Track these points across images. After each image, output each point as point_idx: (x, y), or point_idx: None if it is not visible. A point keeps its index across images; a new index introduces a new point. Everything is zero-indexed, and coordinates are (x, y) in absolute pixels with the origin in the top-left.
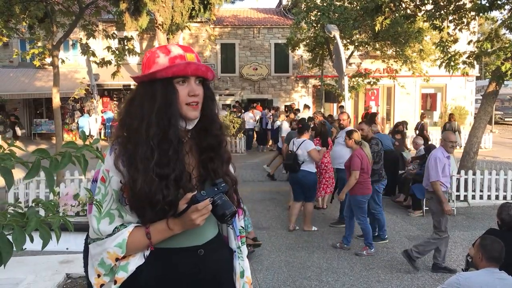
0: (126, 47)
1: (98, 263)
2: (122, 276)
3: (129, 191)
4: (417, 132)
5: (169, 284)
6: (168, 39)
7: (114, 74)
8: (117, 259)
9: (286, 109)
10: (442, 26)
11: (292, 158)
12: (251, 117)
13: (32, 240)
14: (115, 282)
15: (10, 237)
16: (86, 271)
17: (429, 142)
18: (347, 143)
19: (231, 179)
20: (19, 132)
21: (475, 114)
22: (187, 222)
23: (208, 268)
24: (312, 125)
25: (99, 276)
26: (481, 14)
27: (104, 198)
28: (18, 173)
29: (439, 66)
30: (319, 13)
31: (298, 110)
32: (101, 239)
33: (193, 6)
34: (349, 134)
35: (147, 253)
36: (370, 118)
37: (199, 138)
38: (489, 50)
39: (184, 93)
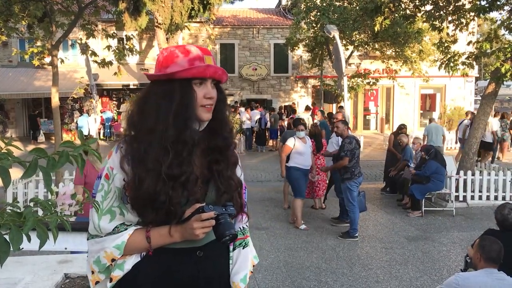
0: (127, 46)
1: (94, 260)
2: (117, 274)
3: (132, 190)
4: None
5: (167, 285)
6: (167, 39)
7: (116, 74)
8: (113, 260)
9: (285, 109)
10: (442, 26)
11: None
12: (247, 117)
13: (29, 239)
14: (111, 280)
15: (7, 237)
16: None
17: None
18: None
19: (235, 182)
20: (42, 137)
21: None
22: (187, 231)
23: (207, 270)
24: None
25: (93, 272)
26: (480, 15)
27: (107, 195)
28: (17, 173)
29: (439, 67)
30: (318, 13)
31: (294, 110)
32: (99, 237)
33: (192, 6)
34: None
35: (144, 252)
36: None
37: (208, 139)
38: (488, 51)
39: (201, 95)
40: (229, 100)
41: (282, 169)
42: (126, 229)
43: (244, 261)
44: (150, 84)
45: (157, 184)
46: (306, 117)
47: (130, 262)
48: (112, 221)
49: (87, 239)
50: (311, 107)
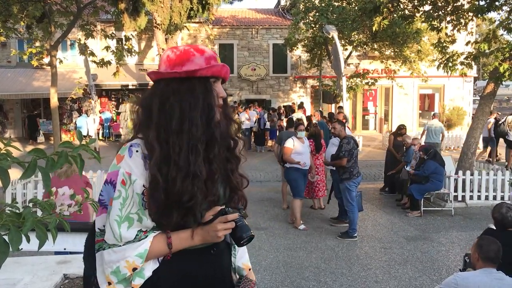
0: (126, 47)
1: (111, 270)
2: (139, 282)
3: (164, 192)
4: None
5: (187, 285)
6: (166, 39)
7: (115, 74)
8: (134, 269)
9: (284, 110)
10: (440, 26)
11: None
12: (246, 118)
13: (28, 240)
14: None
15: (6, 237)
16: (85, 272)
17: None
18: None
19: (246, 179)
20: (41, 137)
21: (473, 114)
22: (210, 233)
23: (220, 266)
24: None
25: (109, 284)
26: (479, 15)
27: (125, 201)
28: (16, 173)
29: (437, 67)
30: (317, 14)
31: (293, 110)
32: (117, 246)
33: (191, 6)
34: None
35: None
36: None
37: None
38: (487, 51)
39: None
40: (228, 100)
41: (296, 162)
42: (146, 236)
43: (242, 247)
44: (163, 82)
45: (186, 184)
46: (300, 115)
47: (149, 268)
48: (130, 229)
49: (103, 249)
50: (304, 107)
